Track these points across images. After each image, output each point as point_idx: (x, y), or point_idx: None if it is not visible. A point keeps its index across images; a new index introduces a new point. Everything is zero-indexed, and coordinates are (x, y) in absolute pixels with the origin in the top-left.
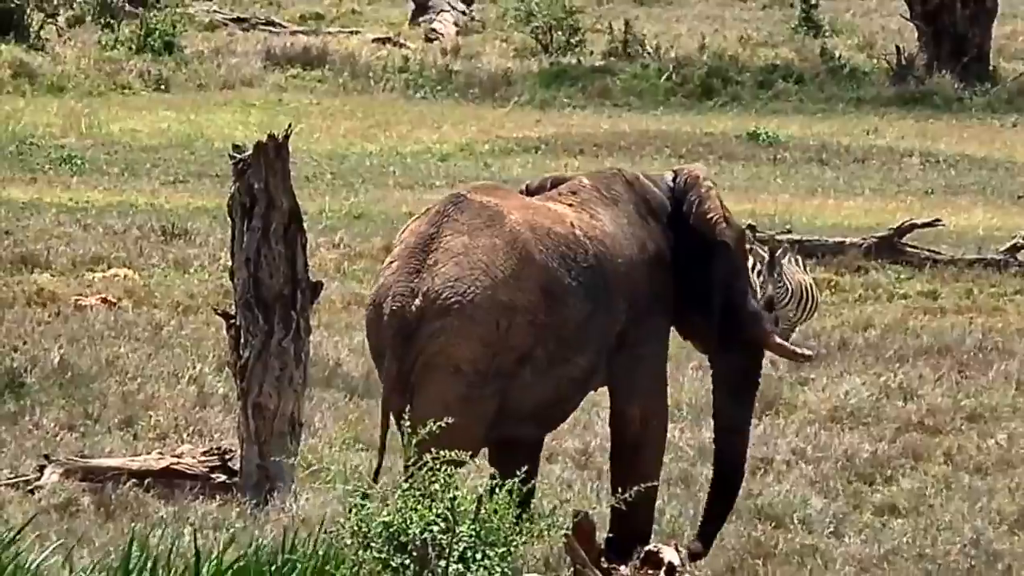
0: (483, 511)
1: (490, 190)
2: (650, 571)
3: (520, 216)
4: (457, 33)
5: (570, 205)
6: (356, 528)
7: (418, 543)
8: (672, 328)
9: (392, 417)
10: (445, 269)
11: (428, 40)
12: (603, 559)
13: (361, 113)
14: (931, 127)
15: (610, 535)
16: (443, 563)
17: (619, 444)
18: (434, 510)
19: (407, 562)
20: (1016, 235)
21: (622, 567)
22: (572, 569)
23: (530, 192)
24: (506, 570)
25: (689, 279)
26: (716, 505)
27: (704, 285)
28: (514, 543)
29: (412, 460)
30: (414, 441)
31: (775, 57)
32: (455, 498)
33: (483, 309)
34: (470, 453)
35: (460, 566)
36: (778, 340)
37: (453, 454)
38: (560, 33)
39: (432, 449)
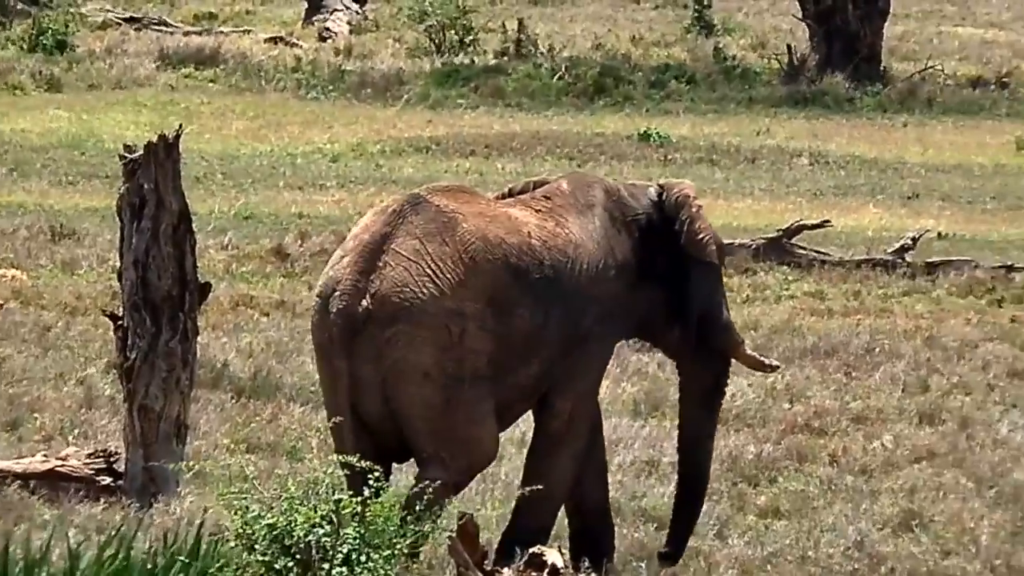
0: (368, 513)
1: (451, 193)
2: (533, 573)
3: (474, 224)
4: (350, 32)
5: (538, 211)
6: (241, 530)
7: (302, 545)
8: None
9: (365, 421)
10: (394, 273)
11: (321, 39)
12: (486, 561)
13: (252, 113)
14: (822, 127)
15: (506, 534)
16: (327, 565)
17: (540, 437)
18: (319, 512)
19: (291, 564)
20: (905, 236)
21: (505, 569)
22: (456, 571)
23: (512, 195)
24: (390, 572)
25: (672, 294)
26: (684, 511)
27: (687, 300)
28: (398, 545)
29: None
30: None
31: (667, 57)
32: (340, 500)
33: (430, 315)
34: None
35: (344, 568)
36: (749, 351)
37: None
38: (453, 32)
39: (462, 454)
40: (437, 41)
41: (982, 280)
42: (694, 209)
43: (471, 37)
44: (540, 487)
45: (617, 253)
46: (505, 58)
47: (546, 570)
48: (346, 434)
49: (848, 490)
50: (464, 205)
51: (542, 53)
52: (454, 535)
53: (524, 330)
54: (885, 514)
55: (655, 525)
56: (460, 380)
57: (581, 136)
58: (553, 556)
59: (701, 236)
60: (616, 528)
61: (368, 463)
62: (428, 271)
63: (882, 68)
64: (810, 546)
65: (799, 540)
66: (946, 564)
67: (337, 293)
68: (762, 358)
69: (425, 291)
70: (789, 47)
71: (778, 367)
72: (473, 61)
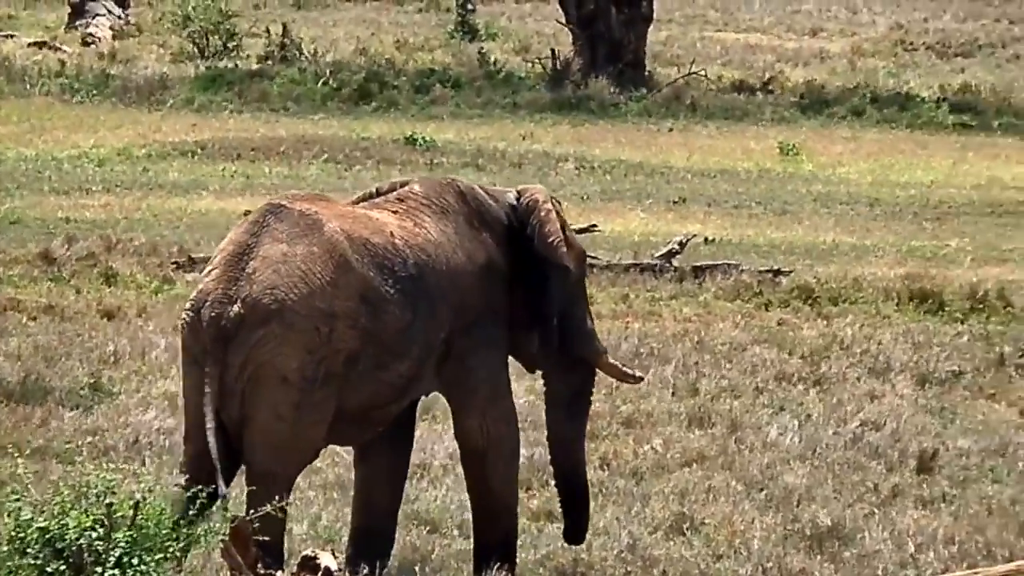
0: (140, 516)
1: (309, 199)
2: None
3: (338, 225)
4: (113, 37)
5: (395, 212)
6: (12, 534)
7: (74, 549)
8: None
9: (226, 427)
10: (263, 276)
11: (85, 44)
12: (260, 564)
13: (16, 117)
14: (587, 132)
15: (475, 548)
16: (99, 569)
17: (465, 456)
18: (90, 516)
19: (63, 568)
20: (672, 241)
21: (278, 573)
22: (229, 574)
23: (379, 194)
24: (162, 575)
25: (528, 299)
26: (571, 518)
27: (544, 306)
28: (171, 548)
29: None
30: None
31: (432, 62)
32: (112, 504)
33: (302, 316)
34: (312, 456)
35: (116, 571)
36: (610, 360)
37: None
38: (217, 37)
39: (271, 462)
40: (200, 46)
41: (749, 284)
42: (543, 213)
43: (235, 42)
44: (486, 500)
45: (478, 256)
46: (269, 62)
47: (319, 573)
48: (211, 441)
49: (620, 493)
50: (324, 208)
51: (306, 57)
52: (227, 539)
53: (394, 327)
54: (657, 517)
55: (427, 528)
56: (314, 382)
57: (347, 140)
58: (326, 559)
59: (551, 239)
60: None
61: (199, 487)
62: (298, 272)
63: (646, 73)
64: (583, 549)
65: None
66: (718, 567)
67: (208, 303)
68: (625, 368)
69: (295, 292)
70: (553, 52)
71: (642, 378)
72: (237, 66)
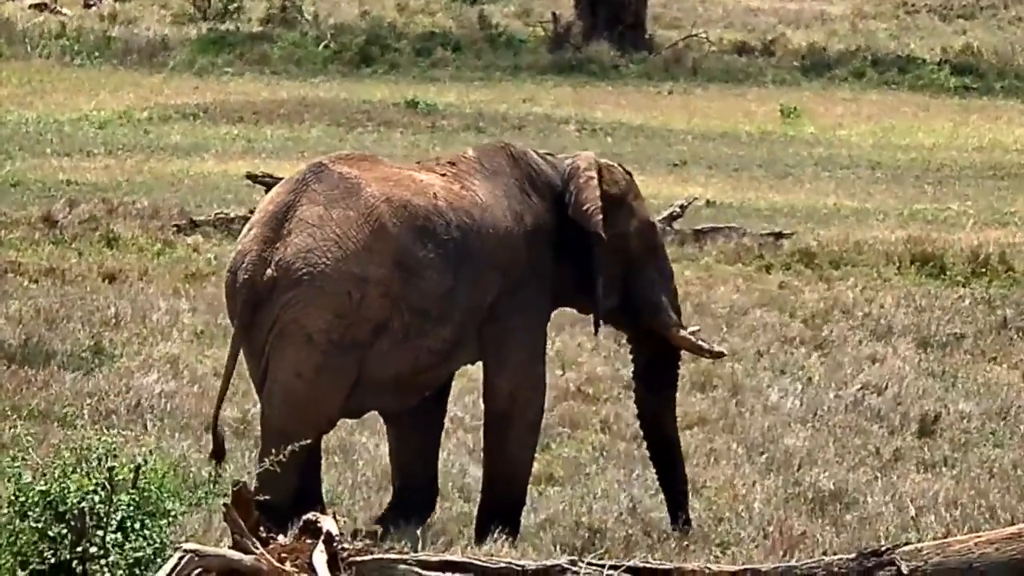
0: (141, 480)
1: (354, 160)
2: (308, 540)
3: (378, 188)
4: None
5: (443, 175)
6: (13, 497)
7: (76, 512)
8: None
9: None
10: (298, 240)
11: (86, 6)
12: (261, 527)
13: (17, 80)
14: (588, 94)
15: (479, 511)
16: (101, 532)
17: (489, 417)
18: (92, 479)
19: (65, 531)
20: (673, 204)
21: (280, 536)
22: (231, 538)
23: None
24: (165, 539)
25: (575, 265)
26: (669, 484)
27: (586, 272)
28: (173, 512)
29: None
30: (269, 411)
31: (433, 25)
32: (113, 467)
33: (333, 280)
34: (327, 422)
35: (119, 535)
36: (682, 333)
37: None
38: None
39: (286, 421)
40: (202, 8)
41: (750, 247)
42: (582, 180)
43: (236, 4)
44: (501, 464)
45: (526, 220)
46: (271, 25)
47: (321, 537)
48: (217, 404)
49: (620, 456)
50: (367, 171)
51: (308, 20)
52: (228, 502)
53: (435, 292)
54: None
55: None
56: (339, 346)
57: (349, 103)
58: (328, 523)
59: (586, 207)
60: (389, 497)
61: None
62: (332, 236)
63: (647, 36)
64: (584, 512)
65: (572, 506)
66: (719, 530)
67: (244, 264)
68: (702, 342)
69: (329, 256)
70: (554, 15)
71: (722, 353)
72: (239, 28)
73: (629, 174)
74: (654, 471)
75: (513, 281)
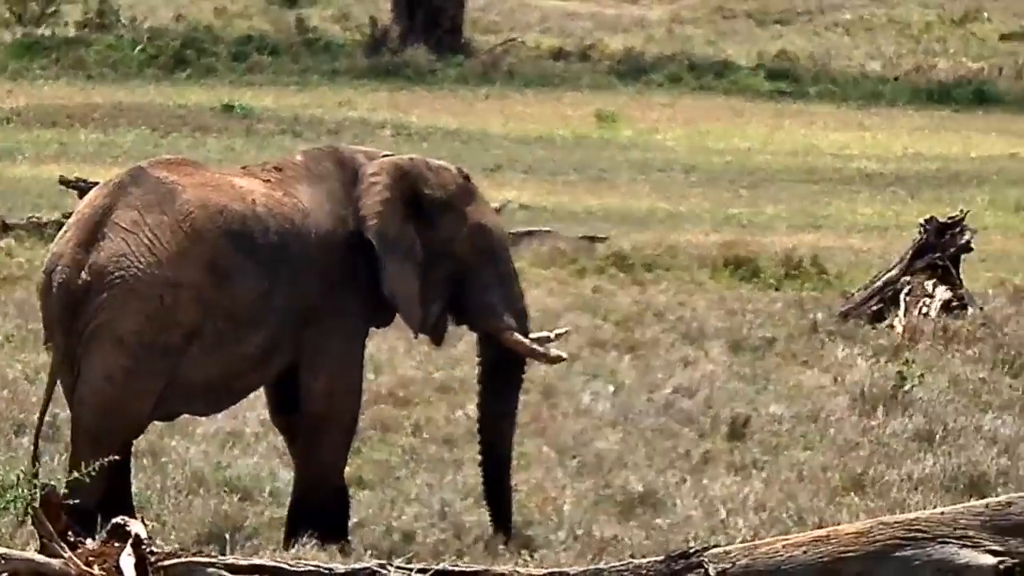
0: None
1: (173, 165)
2: (116, 544)
3: (194, 193)
4: None
5: (266, 180)
6: None
7: None
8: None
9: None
10: (112, 244)
11: None
12: (69, 531)
13: None
14: (404, 99)
15: (289, 513)
16: None
17: (304, 419)
18: None
19: None
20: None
21: (88, 539)
22: (39, 541)
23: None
24: None
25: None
26: (494, 490)
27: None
28: None
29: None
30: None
31: (250, 28)
32: None
33: (145, 284)
34: (137, 425)
35: None
36: (516, 337)
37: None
38: (34, 3)
39: (95, 423)
40: (17, 12)
41: (564, 251)
42: (365, 184)
43: (53, 8)
44: (313, 466)
45: (350, 224)
46: (87, 29)
47: (129, 540)
48: (41, 411)
49: (431, 460)
50: (185, 176)
51: (124, 24)
52: (37, 506)
53: (247, 298)
54: (468, 484)
55: (239, 495)
56: (151, 351)
57: (164, 108)
58: (137, 527)
59: (363, 211)
60: (200, 500)
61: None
62: (146, 241)
63: (464, 40)
64: (394, 516)
65: (383, 509)
66: (529, 533)
67: (58, 267)
68: (536, 346)
69: (142, 261)
70: (372, 19)
71: (560, 358)
72: (54, 32)
73: (466, 177)
74: (480, 475)
75: (333, 285)
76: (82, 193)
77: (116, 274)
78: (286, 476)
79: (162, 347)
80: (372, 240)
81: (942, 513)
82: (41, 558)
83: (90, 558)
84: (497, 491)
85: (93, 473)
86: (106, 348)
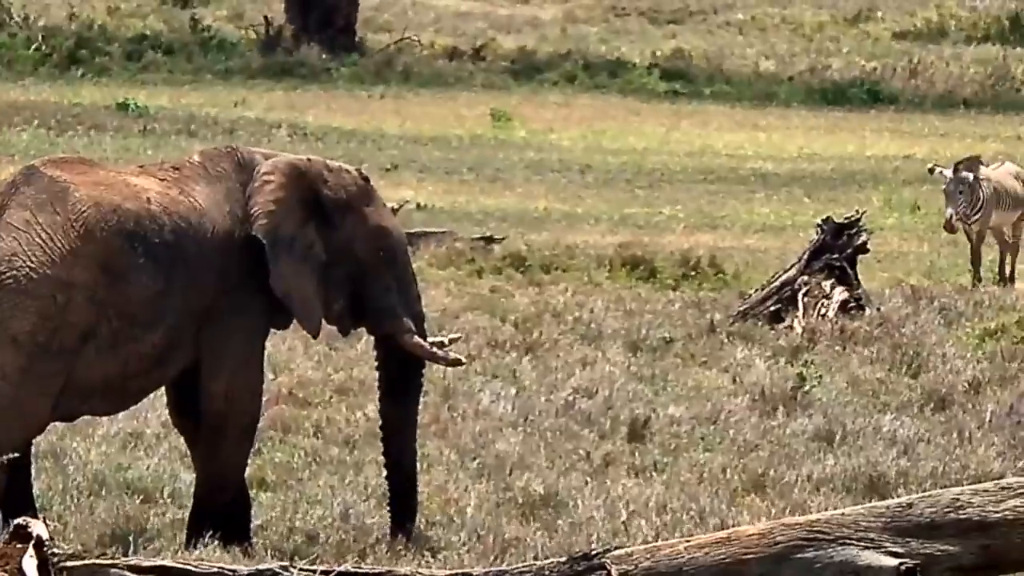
0: None
1: (67, 164)
2: (18, 545)
3: (87, 193)
4: None
5: (162, 180)
6: None
7: None
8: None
9: None
10: (4, 244)
11: None
12: None
13: None
14: (299, 99)
15: (191, 515)
16: None
17: (203, 419)
18: None
19: None
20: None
21: None
22: None
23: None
24: None
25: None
26: (393, 505)
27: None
28: None
29: None
30: None
31: (144, 27)
32: None
33: (38, 284)
34: (35, 426)
35: None
36: (415, 340)
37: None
38: None
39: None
40: None
41: (462, 251)
42: (256, 183)
43: None
44: (213, 467)
45: (247, 224)
46: None
47: (31, 542)
48: None
49: (333, 461)
50: (79, 176)
51: (17, 23)
52: None
53: (142, 297)
54: (370, 485)
55: (141, 497)
56: (47, 351)
57: (59, 106)
58: (39, 528)
59: (254, 210)
60: (103, 501)
61: None
62: (38, 241)
63: (358, 39)
64: (297, 517)
65: (285, 511)
66: (430, 535)
67: None
68: (435, 349)
69: (33, 261)
70: (266, 18)
71: (459, 362)
72: None
73: (365, 179)
74: (383, 477)
75: (231, 285)
76: None
77: (8, 274)
78: (187, 477)
79: (58, 347)
80: (262, 239)
81: (843, 514)
82: None
83: None
84: (402, 495)
85: None
86: (1, 349)
